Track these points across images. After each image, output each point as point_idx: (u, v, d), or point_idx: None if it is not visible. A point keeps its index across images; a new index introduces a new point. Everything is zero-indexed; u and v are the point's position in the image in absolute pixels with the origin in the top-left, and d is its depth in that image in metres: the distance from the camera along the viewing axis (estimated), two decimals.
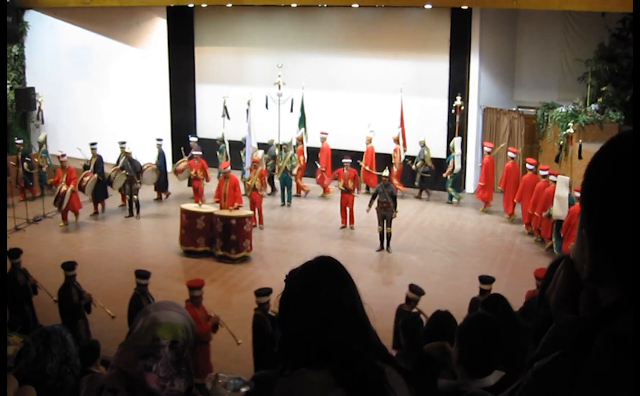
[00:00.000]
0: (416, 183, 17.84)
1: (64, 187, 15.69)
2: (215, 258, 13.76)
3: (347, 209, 15.47)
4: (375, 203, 14.13)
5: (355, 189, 15.80)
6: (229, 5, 19.43)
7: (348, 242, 14.81)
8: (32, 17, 21.47)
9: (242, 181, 16.35)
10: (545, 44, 18.07)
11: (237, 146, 18.32)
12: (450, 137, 17.97)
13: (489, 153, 16.65)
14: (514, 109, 18.06)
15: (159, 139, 18.19)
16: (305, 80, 17.53)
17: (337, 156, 17.31)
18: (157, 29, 20.41)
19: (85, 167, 16.68)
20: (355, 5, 18.34)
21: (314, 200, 17.93)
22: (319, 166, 17.77)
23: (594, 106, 15.86)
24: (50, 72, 21.28)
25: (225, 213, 13.97)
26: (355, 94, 18.98)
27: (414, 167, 17.61)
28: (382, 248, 14.17)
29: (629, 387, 1.09)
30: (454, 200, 17.58)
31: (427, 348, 3.50)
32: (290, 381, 1.96)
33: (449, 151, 17.66)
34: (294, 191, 17.71)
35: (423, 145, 17.65)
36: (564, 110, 16.11)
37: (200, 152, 17.26)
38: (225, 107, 18.25)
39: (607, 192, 1.20)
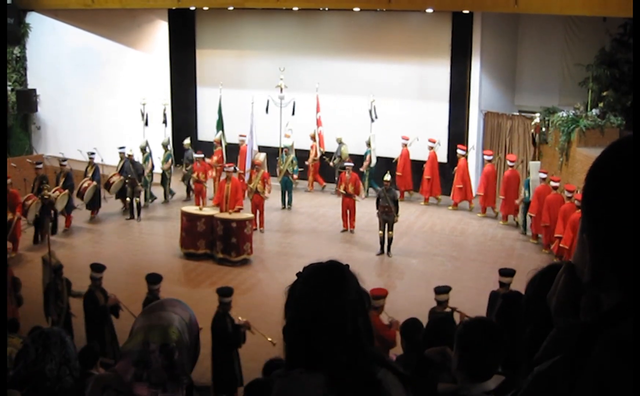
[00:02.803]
0: (336, 178, 17.84)
1: (10, 216, 13.85)
2: (216, 261, 13.75)
3: (348, 212, 15.47)
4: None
5: (357, 194, 15.74)
6: (231, 8, 19.44)
7: (348, 245, 14.80)
8: (34, 19, 21.49)
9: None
10: (546, 48, 18.08)
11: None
12: (451, 142, 17.99)
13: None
14: (516, 113, 18.07)
15: (121, 148, 17.12)
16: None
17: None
18: (159, 32, 20.42)
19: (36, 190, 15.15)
20: (356, 9, 18.35)
21: (315, 203, 17.93)
22: (237, 169, 17.74)
23: (594, 111, 15.86)
24: (51, 74, 21.29)
25: (226, 215, 13.97)
26: (355, 98, 18.98)
27: (331, 164, 17.71)
28: (382, 252, 14.16)
29: (629, 392, 1.09)
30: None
31: (428, 352, 3.50)
32: (288, 382, 1.97)
33: (367, 145, 18.00)
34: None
35: (340, 142, 17.99)
36: (565, 115, 16.12)
37: (202, 155, 17.29)
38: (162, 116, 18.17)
39: (608, 197, 1.20)
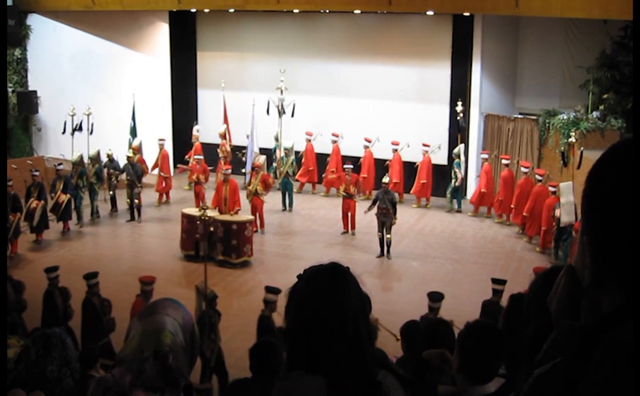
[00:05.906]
0: (243, 170, 17.72)
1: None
2: (216, 263, 13.74)
3: (349, 214, 15.46)
4: (375, 209, 14.14)
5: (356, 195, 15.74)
6: (231, 10, 19.47)
7: (349, 248, 14.79)
8: (35, 21, 21.50)
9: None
10: (547, 51, 18.07)
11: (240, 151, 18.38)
12: (451, 144, 18.01)
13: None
14: (518, 115, 18.08)
15: (59, 165, 16.06)
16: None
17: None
18: (160, 34, 20.43)
19: None
20: (357, 12, 18.37)
21: (315, 205, 17.92)
22: (162, 174, 17.84)
23: (595, 114, 15.86)
24: (52, 75, 21.30)
25: (226, 217, 13.97)
26: (356, 100, 19.00)
27: (244, 159, 17.72)
28: (382, 254, 14.15)
29: (630, 395, 1.09)
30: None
31: (426, 355, 3.49)
32: (287, 384, 1.97)
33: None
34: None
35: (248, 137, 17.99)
36: (565, 117, 16.13)
37: (202, 157, 17.29)
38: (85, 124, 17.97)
39: (608, 200, 1.20)
